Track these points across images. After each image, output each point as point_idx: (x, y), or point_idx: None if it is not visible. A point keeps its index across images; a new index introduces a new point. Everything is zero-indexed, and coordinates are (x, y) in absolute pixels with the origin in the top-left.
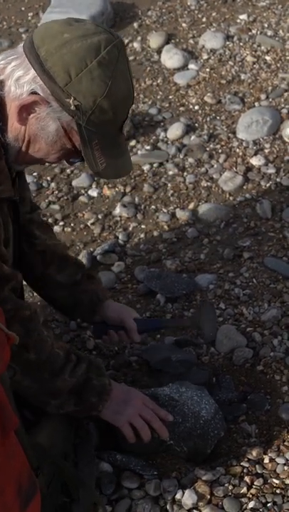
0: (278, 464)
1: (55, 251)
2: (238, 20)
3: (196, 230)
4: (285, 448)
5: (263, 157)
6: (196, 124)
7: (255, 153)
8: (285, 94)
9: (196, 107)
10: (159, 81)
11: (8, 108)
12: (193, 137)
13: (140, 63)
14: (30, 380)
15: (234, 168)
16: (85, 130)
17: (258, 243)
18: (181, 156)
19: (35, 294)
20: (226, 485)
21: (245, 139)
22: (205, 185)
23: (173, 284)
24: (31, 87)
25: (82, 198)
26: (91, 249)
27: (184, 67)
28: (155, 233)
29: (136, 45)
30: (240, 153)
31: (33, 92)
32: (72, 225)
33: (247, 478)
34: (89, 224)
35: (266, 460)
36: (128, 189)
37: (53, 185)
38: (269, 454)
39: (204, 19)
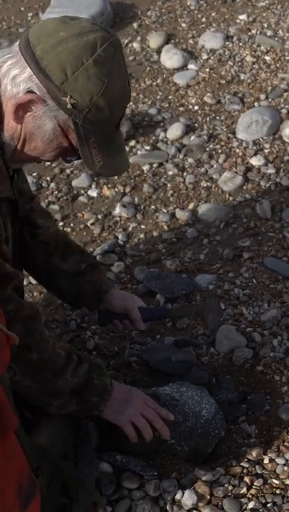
0: (278, 464)
1: (58, 239)
2: (238, 21)
3: (196, 230)
4: (284, 448)
5: (262, 157)
6: (196, 124)
7: (255, 154)
8: (285, 94)
9: (196, 107)
10: (158, 81)
11: (4, 107)
12: (192, 137)
13: (140, 63)
14: (32, 380)
15: (234, 169)
16: (82, 128)
17: (258, 243)
18: (181, 157)
19: (35, 294)
20: (226, 485)
21: (244, 139)
22: (205, 185)
23: (172, 284)
24: (27, 85)
25: (81, 198)
26: (91, 250)
27: (183, 67)
28: (155, 233)
29: (135, 45)
30: (240, 154)
31: (30, 91)
32: (71, 225)
33: (247, 479)
34: (89, 224)
35: (266, 460)
36: (128, 189)
37: (52, 185)
38: (269, 455)
39: (204, 19)
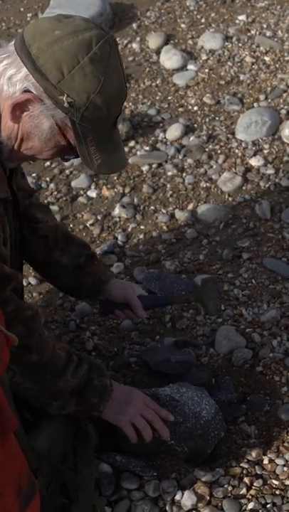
0: (278, 464)
1: (57, 233)
2: (237, 21)
3: (195, 230)
4: (284, 449)
5: (262, 158)
6: (195, 125)
7: (254, 154)
8: (284, 94)
9: (195, 108)
10: (158, 82)
11: (1, 107)
12: (192, 138)
13: (139, 64)
14: (32, 381)
15: (233, 169)
16: (80, 127)
17: (257, 244)
18: (180, 157)
19: (34, 295)
20: (226, 486)
21: (244, 140)
22: (204, 185)
23: (172, 284)
24: (24, 85)
25: (81, 199)
26: None
27: (182, 67)
28: (154, 234)
29: (135, 45)
30: (240, 154)
31: (26, 90)
32: (71, 225)
33: (246, 479)
34: (88, 225)
35: (266, 461)
36: (127, 190)
37: (52, 185)
38: (268, 455)
39: (203, 20)
